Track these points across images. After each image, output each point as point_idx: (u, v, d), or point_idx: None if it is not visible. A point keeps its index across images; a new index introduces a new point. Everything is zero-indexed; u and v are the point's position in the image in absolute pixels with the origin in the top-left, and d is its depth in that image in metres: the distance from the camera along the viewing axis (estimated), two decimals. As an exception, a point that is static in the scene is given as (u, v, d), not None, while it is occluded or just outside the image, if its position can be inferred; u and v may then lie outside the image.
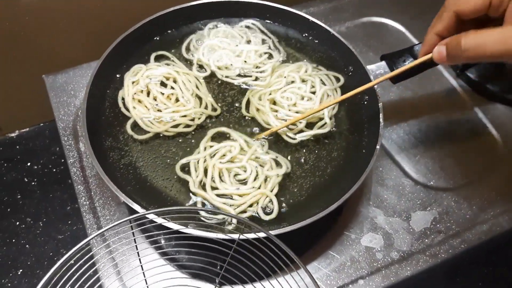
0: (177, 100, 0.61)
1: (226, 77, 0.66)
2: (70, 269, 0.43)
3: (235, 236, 0.47)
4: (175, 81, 0.62)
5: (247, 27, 0.72)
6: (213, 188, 0.55)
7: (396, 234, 0.61)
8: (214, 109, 0.63)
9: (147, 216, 0.47)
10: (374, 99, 0.61)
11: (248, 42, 0.69)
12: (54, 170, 0.88)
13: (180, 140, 0.60)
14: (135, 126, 0.60)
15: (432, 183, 0.66)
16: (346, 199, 0.64)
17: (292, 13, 0.71)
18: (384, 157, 0.68)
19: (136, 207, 0.49)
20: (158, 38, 0.69)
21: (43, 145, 0.91)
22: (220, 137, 0.60)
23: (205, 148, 0.58)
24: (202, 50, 0.67)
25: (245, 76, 0.67)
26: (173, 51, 0.69)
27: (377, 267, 0.58)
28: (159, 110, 0.60)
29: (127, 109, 0.61)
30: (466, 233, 0.61)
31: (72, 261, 0.43)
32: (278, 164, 0.59)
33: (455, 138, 0.71)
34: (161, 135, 0.60)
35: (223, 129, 0.60)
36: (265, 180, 0.56)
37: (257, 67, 0.67)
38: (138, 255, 0.50)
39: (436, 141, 0.71)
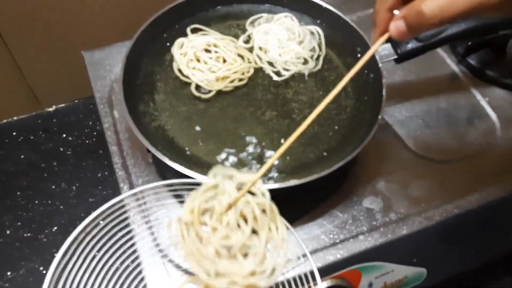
0: (224, 61, 0.70)
1: (258, 57, 0.73)
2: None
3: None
4: (215, 46, 0.70)
5: (312, 32, 0.76)
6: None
7: (395, 198, 0.67)
8: (256, 62, 0.72)
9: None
10: (378, 77, 0.68)
11: (300, 43, 0.73)
12: (87, 141, 0.98)
13: (202, 108, 0.68)
14: (197, 87, 0.69)
15: (430, 156, 0.72)
16: (351, 167, 0.71)
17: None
18: (387, 132, 0.74)
19: (163, 158, 0.57)
20: (188, 20, 0.77)
21: (78, 119, 1.01)
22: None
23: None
24: (258, 28, 0.74)
25: (271, 65, 0.73)
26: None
27: (376, 225, 0.64)
28: (213, 72, 0.68)
29: (187, 77, 0.69)
30: (459, 200, 0.67)
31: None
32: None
33: (454, 118, 0.77)
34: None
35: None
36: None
37: (285, 64, 0.72)
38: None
39: (437, 120, 0.76)
